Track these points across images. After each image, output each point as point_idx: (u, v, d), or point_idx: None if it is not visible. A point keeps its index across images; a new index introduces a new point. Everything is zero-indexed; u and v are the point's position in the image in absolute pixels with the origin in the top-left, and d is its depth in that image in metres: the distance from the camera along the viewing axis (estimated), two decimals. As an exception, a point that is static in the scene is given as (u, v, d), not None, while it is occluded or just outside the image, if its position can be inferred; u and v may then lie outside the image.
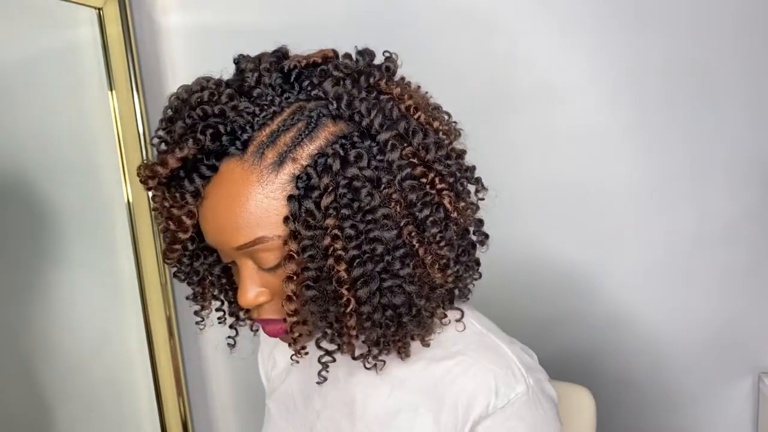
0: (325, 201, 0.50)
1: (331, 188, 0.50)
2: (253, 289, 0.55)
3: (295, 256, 0.51)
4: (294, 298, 0.53)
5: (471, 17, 1.14)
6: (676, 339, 1.23)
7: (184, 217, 0.54)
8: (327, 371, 0.63)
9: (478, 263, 0.61)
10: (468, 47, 1.15)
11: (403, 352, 0.60)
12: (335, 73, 0.53)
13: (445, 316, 0.61)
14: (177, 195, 0.53)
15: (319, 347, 0.59)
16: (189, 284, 0.65)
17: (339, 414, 0.65)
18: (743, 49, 1.11)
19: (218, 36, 1.21)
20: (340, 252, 0.50)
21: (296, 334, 0.56)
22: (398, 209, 0.52)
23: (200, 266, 0.63)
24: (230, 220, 0.52)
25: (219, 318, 0.68)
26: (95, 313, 1.20)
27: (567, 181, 1.18)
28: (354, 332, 0.54)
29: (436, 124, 0.56)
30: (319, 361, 0.61)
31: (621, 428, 1.26)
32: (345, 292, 0.51)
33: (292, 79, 0.53)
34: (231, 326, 0.69)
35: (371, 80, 0.54)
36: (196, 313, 0.66)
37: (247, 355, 1.37)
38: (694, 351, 1.23)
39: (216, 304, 0.68)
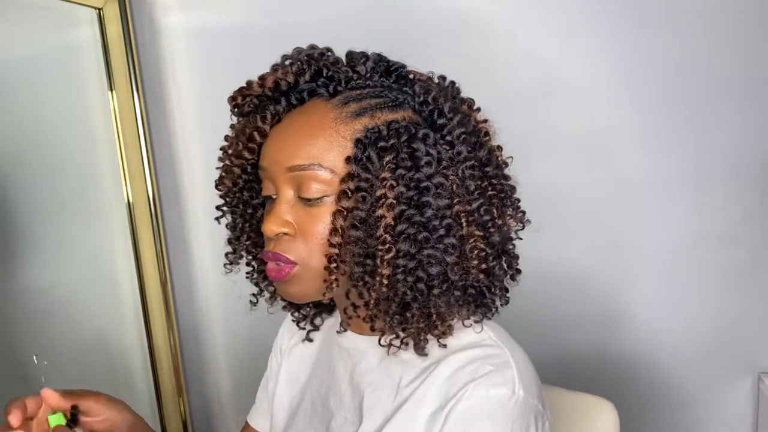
0: (387, 157, 0.56)
1: (394, 148, 0.56)
2: (282, 217, 0.59)
3: (349, 193, 0.56)
4: (339, 231, 0.57)
5: (470, 17, 1.14)
6: (676, 339, 1.23)
7: (255, 134, 0.60)
8: (350, 322, 0.63)
9: (506, 290, 0.65)
10: (467, 47, 1.15)
11: (420, 347, 0.61)
12: (427, 81, 0.63)
13: (468, 318, 0.62)
14: (258, 117, 0.60)
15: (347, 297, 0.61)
16: (231, 219, 0.68)
17: (350, 413, 0.67)
18: (743, 50, 1.11)
19: (218, 36, 1.21)
20: (391, 201, 0.56)
21: (334, 274, 0.58)
22: (454, 188, 0.57)
23: (247, 196, 0.66)
24: (296, 140, 0.58)
25: (247, 273, 0.71)
26: (95, 313, 1.21)
27: (567, 182, 1.18)
28: (385, 282, 0.56)
29: (498, 152, 0.64)
30: (344, 311, 0.62)
31: (620, 427, 1.26)
32: (388, 237, 0.56)
33: (390, 72, 0.62)
34: (256, 284, 0.72)
35: (455, 93, 0.64)
36: (227, 255, 0.70)
37: (247, 356, 1.37)
38: (694, 351, 1.23)
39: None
